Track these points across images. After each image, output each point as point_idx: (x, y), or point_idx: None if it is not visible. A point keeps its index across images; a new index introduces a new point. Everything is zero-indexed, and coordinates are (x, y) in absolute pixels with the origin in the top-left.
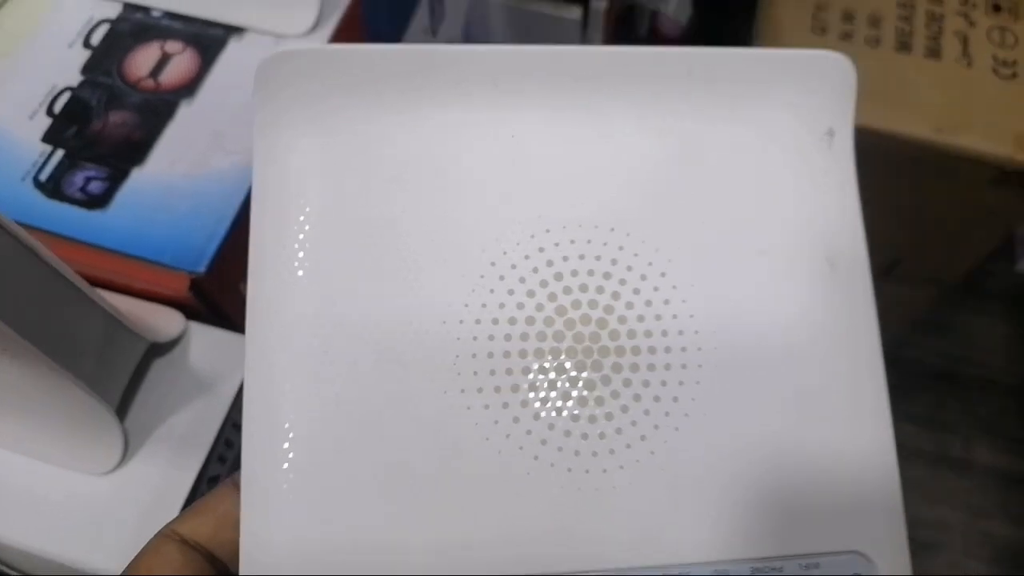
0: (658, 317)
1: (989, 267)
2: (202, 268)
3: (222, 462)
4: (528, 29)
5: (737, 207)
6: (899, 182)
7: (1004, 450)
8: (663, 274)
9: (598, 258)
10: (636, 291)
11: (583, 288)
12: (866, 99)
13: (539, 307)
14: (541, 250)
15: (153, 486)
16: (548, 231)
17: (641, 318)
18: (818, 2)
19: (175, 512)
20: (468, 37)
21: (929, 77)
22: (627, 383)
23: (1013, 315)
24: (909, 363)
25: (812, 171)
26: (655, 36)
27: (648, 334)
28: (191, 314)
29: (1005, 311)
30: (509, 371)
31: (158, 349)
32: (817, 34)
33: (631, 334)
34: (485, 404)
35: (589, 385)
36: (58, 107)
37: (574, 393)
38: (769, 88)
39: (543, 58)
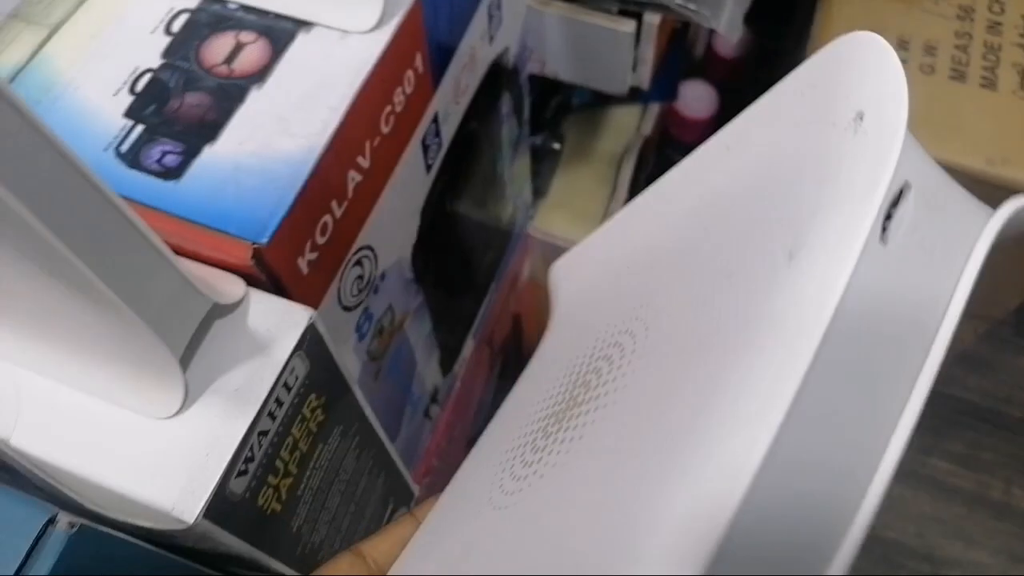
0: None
1: None
2: (264, 239)
3: (272, 419)
4: (582, 40)
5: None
6: None
7: None
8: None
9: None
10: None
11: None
12: (916, 127)
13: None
14: None
15: (206, 435)
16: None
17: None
18: (873, 27)
19: (226, 459)
20: (523, 45)
21: (983, 108)
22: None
23: None
24: (952, 400)
25: (819, 163)
26: (711, 56)
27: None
28: (252, 284)
29: None
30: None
31: (220, 311)
32: None
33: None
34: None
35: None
36: (140, 87)
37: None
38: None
39: None
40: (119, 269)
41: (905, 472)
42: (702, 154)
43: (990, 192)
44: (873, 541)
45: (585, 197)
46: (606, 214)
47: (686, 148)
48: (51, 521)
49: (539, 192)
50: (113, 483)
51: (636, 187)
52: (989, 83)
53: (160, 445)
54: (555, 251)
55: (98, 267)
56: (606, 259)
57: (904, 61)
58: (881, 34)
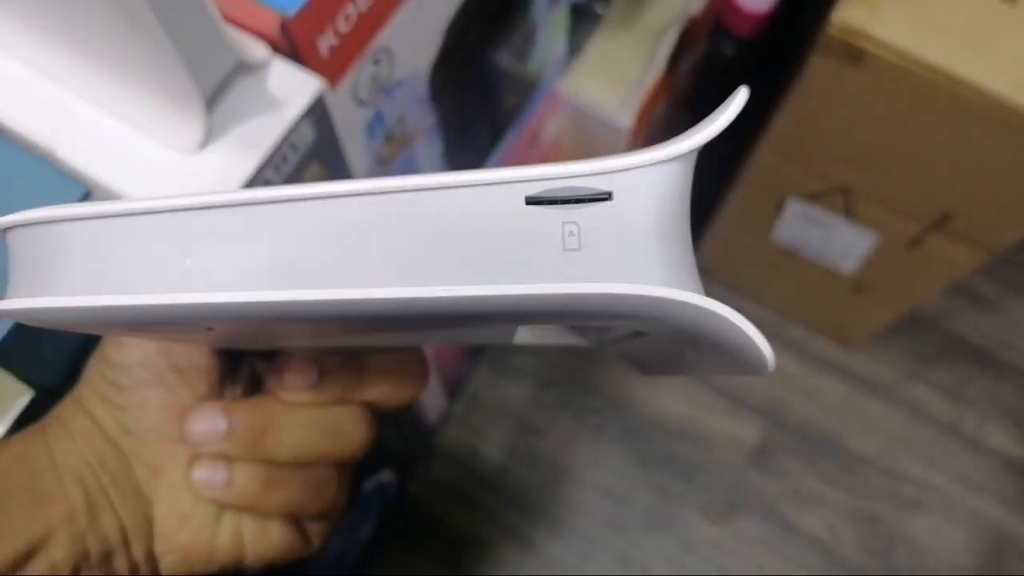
0: None
1: None
2: (292, 12)
3: (277, 171)
4: None
5: None
6: (967, 132)
7: (1018, 439)
8: None
9: None
10: None
11: None
12: (955, 43)
13: None
14: None
15: (220, 168)
16: None
17: None
18: None
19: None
20: None
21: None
22: None
23: None
24: (949, 333)
25: None
26: None
27: None
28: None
29: None
30: None
31: (244, 70)
32: None
33: None
34: None
35: None
36: None
37: None
38: None
39: None
40: (166, 5)
41: (884, 390)
42: None
43: (1009, 118)
44: (837, 448)
45: (621, 65)
46: (639, 86)
47: (737, 42)
48: (87, 195)
49: (574, 50)
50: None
51: (676, 66)
52: None
53: (181, 172)
54: (581, 116)
55: None
56: None
57: None
58: None
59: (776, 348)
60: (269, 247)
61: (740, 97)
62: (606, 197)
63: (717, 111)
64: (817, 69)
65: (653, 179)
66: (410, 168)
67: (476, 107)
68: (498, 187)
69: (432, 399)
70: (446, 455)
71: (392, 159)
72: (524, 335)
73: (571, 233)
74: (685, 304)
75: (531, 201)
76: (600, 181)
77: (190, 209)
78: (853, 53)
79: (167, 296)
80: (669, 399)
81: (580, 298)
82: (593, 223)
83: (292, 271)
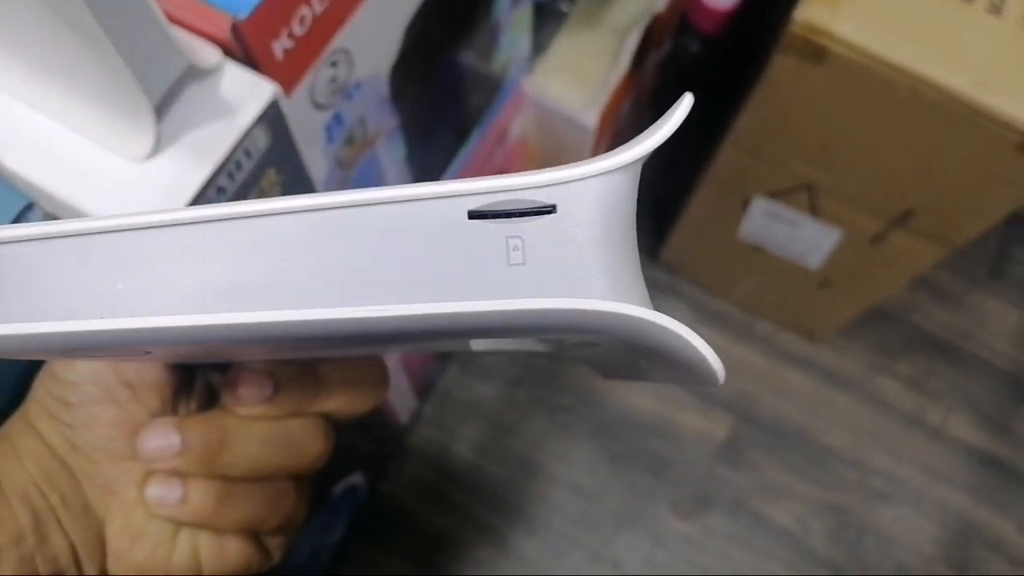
0: None
1: (1019, 254)
2: (244, 15)
3: (231, 179)
4: None
5: None
6: (928, 130)
7: (982, 429)
8: None
9: None
10: None
11: None
12: (915, 41)
13: None
14: None
15: (171, 177)
16: None
17: None
18: None
19: (185, 199)
20: None
21: (982, 32)
22: None
23: None
24: (913, 326)
25: None
26: None
27: None
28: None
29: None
30: None
31: (195, 75)
32: None
33: None
34: None
35: None
36: None
37: None
38: None
39: None
40: (110, 10)
41: (851, 384)
42: None
43: (968, 115)
44: (804, 442)
45: (586, 63)
46: (604, 84)
47: (703, 39)
48: (29, 207)
49: (539, 48)
50: (87, 206)
51: (642, 64)
52: (995, 9)
53: (131, 181)
54: (547, 115)
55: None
56: None
57: None
58: None
59: (744, 343)
60: (202, 269)
61: (684, 105)
62: (550, 210)
63: (662, 119)
64: (780, 67)
65: (597, 190)
66: (373, 171)
67: (440, 107)
68: (439, 201)
69: (402, 400)
70: (418, 455)
71: (354, 162)
72: (482, 344)
73: (515, 247)
74: (630, 317)
75: (474, 215)
76: (543, 194)
77: (121, 230)
78: (815, 51)
79: (95, 323)
80: (639, 395)
81: (525, 314)
82: (537, 237)
83: (227, 293)
